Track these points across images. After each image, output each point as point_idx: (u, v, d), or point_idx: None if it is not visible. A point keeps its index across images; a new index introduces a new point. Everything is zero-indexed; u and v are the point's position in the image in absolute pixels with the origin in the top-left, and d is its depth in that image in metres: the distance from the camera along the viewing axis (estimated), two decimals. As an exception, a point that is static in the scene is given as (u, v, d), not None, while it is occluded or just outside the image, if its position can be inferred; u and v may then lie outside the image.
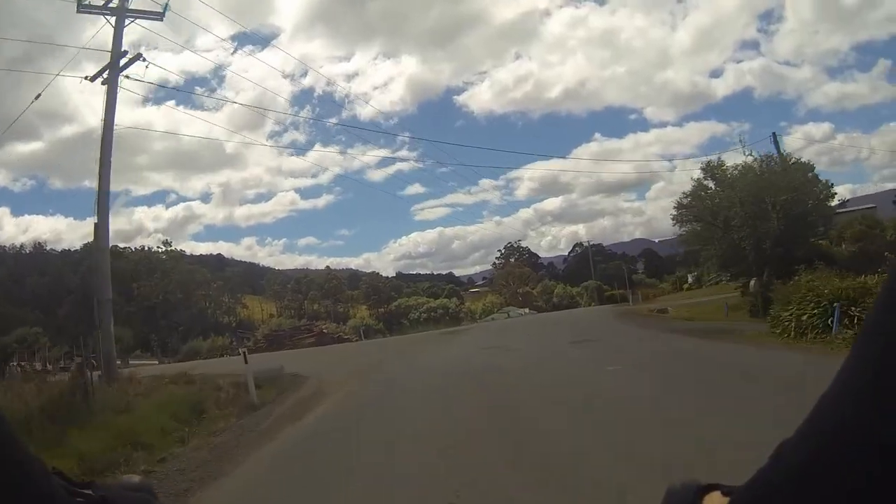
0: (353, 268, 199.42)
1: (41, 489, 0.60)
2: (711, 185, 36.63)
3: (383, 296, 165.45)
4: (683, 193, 38.10)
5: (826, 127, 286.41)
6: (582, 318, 47.56)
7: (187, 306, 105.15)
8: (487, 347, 29.09)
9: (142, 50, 26.05)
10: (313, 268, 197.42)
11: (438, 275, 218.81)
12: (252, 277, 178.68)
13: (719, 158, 37.69)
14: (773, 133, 39.48)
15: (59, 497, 0.63)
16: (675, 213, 38.12)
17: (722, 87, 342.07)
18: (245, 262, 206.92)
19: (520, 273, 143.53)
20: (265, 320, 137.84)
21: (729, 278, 43.89)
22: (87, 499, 0.66)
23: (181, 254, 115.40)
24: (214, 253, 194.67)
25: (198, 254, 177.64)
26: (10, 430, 0.59)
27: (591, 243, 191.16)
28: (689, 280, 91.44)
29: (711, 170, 36.78)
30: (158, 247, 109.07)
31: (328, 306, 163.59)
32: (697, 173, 37.44)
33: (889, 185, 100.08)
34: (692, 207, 36.62)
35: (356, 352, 39.52)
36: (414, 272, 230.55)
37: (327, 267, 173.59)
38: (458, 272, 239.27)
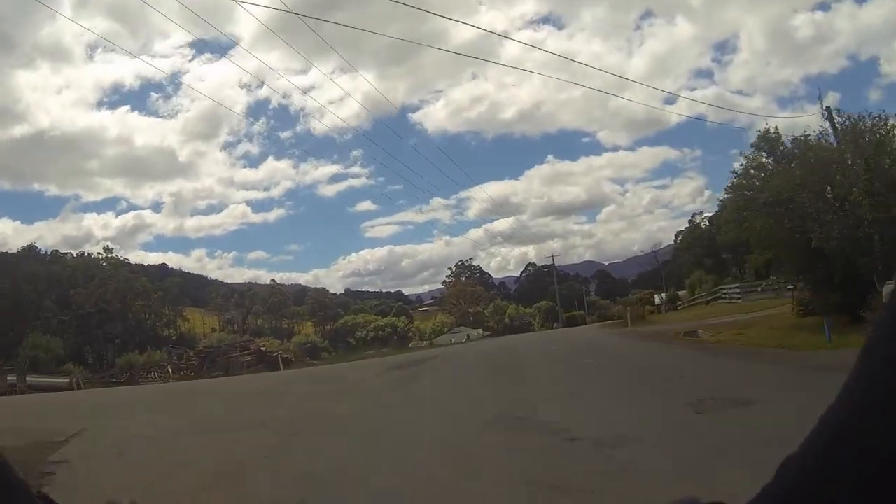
0: (302, 283, 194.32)
1: None
2: (770, 162, 26.80)
3: (330, 312, 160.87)
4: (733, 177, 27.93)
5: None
6: (595, 344, 33.53)
7: (125, 317, 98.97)
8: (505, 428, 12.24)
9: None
10: (262, 282, 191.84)
11: (387, 293, 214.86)
12: (195, 289, 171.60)
13: (776, 128, 27.36)
14: (826, 107, 27.36)
15: None
16: (727, 204, 28.57)
17: (676, 114, 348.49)
18: (192, 273, 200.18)
19: (471, 292, 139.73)
20: (207, 334, 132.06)
21: (801, 286, 28.89)
22: None
23: (121, 261, 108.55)
24: (158, 263, 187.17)
25: (141, 263, 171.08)
26: None
27: (544, 264, 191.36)
28: (658, 300, 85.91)
29: (770, 142, 26.88)
30: (99, 253, 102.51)
31: (272, 322, 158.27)
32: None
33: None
34: (751, 196, 25.73)
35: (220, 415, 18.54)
36: (363, 289, 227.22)
37: (272, 281, 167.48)
38: (407, 291, 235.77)
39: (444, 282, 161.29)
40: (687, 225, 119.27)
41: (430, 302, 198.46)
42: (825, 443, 0.58)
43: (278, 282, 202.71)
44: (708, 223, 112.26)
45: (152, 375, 41.47)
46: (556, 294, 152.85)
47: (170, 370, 43.05)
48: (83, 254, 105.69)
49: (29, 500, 0.63)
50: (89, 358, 72.15)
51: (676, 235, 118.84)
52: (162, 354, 59.68)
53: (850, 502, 0.53)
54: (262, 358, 46.07)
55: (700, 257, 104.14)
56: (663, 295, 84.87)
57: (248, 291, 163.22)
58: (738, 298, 45.91)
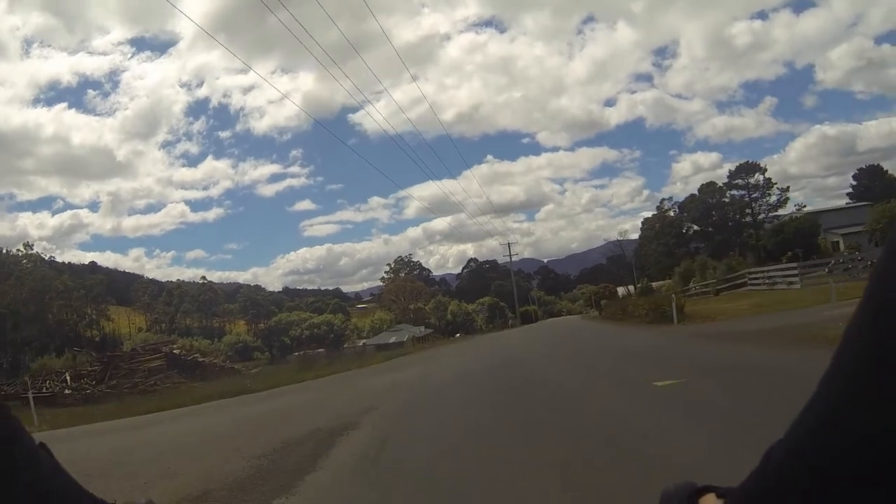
0: (241, 282, 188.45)
1: None
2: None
3: (263, 310, 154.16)
4: None
5: (714, 156, 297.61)
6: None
7: (43, 318, 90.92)
8: None
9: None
10: (202, 281, 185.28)
11: (326, 290, 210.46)
12: (125, 287, 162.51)
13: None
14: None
15: None
16: None
17: (615, 116, 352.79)
18: (121, 271, 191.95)
19: (411, 288, 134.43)
20: (133, 335, 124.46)
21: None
22: None
23: (43, 259, 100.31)
24: (86, 262, 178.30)
25: (75, 262, 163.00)
26: (36, 452, 0.60)
27: (485, 260, 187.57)
28: (623, 292, 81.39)
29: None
30: (18, 250, 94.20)
31: (202, 321, 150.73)
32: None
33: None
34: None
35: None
36: (302, 287, 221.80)
37: (203, 277, 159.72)
38: (345, 289, 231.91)
39: (383, 278, 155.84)
40: (654, 212, 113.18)
41: (368, 298, 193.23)
42: (810, 429, 0.60)
43: (218, 281, 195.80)
44: (678, 210, 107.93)
45: (47, 386, 35.38)
46: (495, 290, 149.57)
47: (68, 378, 36.97)
48: (1, 251, 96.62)
49: (82, 496, 0.67)
50: (3, 363, 67.69)
51: (643, 223, 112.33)
52: (66, 360, 52.79)
53: (835, 488, 0.54)
54: (175, 362, 40.18)
55: (671, 247, 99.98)
56: (631, 287, 78.10)
57: (176, 289, 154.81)
58: (795, 281, 33.09)
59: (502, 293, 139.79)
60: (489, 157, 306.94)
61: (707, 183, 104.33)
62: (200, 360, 44.76)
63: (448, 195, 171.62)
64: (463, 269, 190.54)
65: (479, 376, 20.05)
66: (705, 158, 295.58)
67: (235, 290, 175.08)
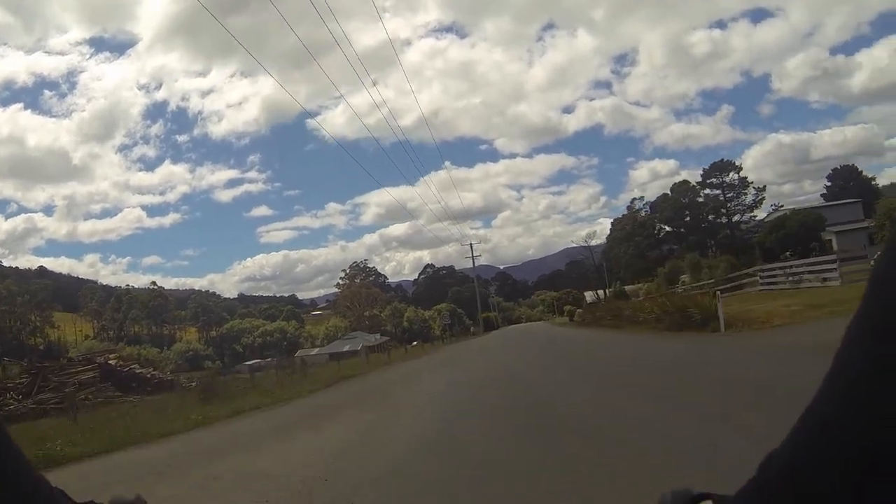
0: (197, 288, 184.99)
1: None
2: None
3: (214, 317, 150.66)
4: None
5: (672, 164, 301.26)
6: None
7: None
8: None
9: None
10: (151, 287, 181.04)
11: (281, 297, 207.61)
12: (73, 293, 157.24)
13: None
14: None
15: None
16: None
17: (574, 123, 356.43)
18: (71, 276, 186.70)
19: (367, 294, 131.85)
20: (79, 342, 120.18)
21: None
22: None
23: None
24: (35, 267, 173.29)
25: (15, 266, 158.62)
26: (17, 450, 0.60)
27: (442, 267, 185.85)
28: (591, 298, 77.73)
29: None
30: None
31: (152, 328, 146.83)
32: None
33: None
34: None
35: None
36: (257, 294, 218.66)
37: (153, 283, 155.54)
38: (301, 295, 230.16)
39: (338, 284, 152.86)
40: (625, 212, 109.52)
41: (324, 305, 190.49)
42: (806, 438, 0.60)
43: (174, 287, 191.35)
44: (649, 210, 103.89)
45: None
46: (458, 296, 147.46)
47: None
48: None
49: (50, 494, 0.65)
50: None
51: (613, 224, 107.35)
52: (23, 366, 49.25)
53: (832, 497, 0.54)
54: (109, 374, 37.52)
55: (642, 248, 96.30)
56: (600, 292, 74.25)
57: (125, 295, 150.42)
58: (833, 277, 26.82)
59: (460, 300, 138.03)
60: (447, 163, 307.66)
61: (680, 182, 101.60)
62: (138, 371, 41.98)
63: (405, 201, 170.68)
64: (419, 275, 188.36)
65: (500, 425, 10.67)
66: (663, 166, 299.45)
67: (188, 296, 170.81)
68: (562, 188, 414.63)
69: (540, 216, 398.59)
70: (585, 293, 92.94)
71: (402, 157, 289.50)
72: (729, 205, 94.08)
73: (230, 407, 18.18)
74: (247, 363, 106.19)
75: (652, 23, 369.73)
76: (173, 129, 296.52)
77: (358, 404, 17.09)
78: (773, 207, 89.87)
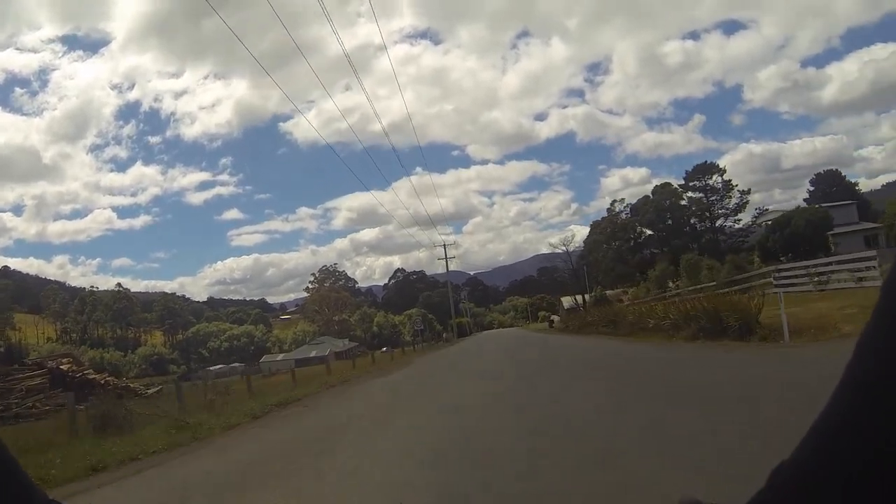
0: (168, 291, 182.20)
1: None
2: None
3: (180, 320, 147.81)
4: None
5: (643, 172, 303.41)
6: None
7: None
8: None
9: None
10: (131, 289, 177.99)
11: (251, 301, 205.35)
12: (38, 294, 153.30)
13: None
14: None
15: None
16: None
17: (546, 130, 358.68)
18: (44, 278, 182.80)
19: (336, 298, 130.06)
20: (41, 345, 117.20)
21: None
22: None
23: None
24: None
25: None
26: (11, 459, 0.60)
27: (413, 271, 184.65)
28: (569, 304, 75.19)
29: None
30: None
31: (116, 331, 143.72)
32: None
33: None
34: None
35: None
36: (228, 297, 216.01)
37: (118, 285, 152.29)
38: (271, 299, 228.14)
39: (308, 288, 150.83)
40: (605, 214, 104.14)
41: (293, 309, 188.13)
42: (818, 448, 0.59)
43: (144, 290, 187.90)
44: (629, 213, 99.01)
45: None
46: (423, 301, 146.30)
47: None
48: None
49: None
50: None
51: (592, 227, 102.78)
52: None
53: (843, 501, 0.54)
54: (60, 381, 35.72)
55: (623, 252, 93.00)
56: (578, 297, 72.33)
57: (89, 297, 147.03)
58: (873, 275, 22.11)
59: (430, 305, 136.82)
60: (419, 168, 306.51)
61: (661, 184, 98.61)
62: (91, 377, 40.22)
63: (377, 206, 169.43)
64: (390, 279, 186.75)
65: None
66: (634, 173, 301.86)
67: (160, 298, 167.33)
68: (533, 195, 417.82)
69: (511, 222, 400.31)
70: (562, 298, 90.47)
71: (373, 162, 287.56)
72: (712, 208, 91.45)
73: (115, 450, 11.44)
74: (212, 368, 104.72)
75: (626, 32, 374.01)
76: (145, 131, 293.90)
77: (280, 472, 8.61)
78: (758, 211, 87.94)
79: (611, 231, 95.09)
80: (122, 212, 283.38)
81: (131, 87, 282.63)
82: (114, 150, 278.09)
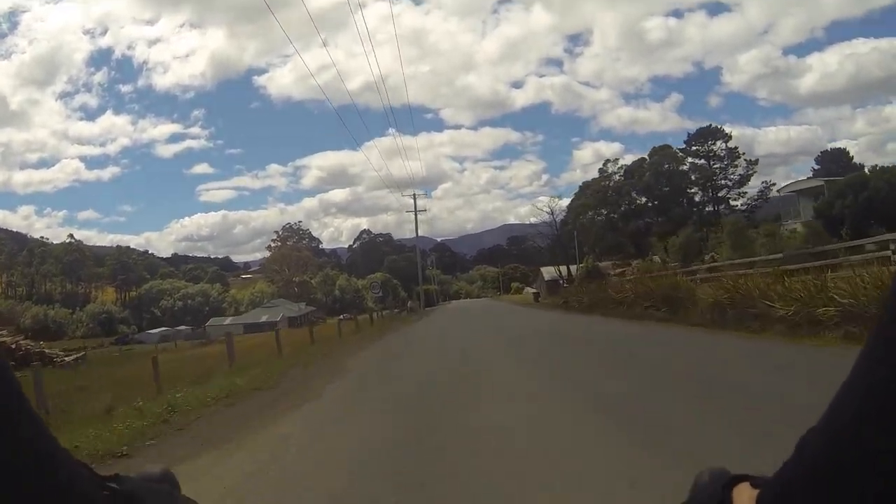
0: (134, 246, 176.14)
1: (72, 483, 0.62)
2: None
3: (133, 276, 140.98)
4: None
5: (616, 147, 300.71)
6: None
7: None
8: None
9: None
10: (92, 243, 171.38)
11: (216, 258, 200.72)
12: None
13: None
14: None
15: (90, 491, 0.64)
16: None
17: (522, 98, 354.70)
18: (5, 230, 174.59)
19: (297, 257, 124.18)
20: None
21: None
22: (112, 492, 0.66)
23: None
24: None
25: None
26: (42, 425, 0.60)
27: (379, 234, 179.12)
28: (549, 276, 67.66)
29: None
30: None
31: (66, 285, 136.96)
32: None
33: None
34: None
35: None
36: (194, 254, 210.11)
37: (70, 236, 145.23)
38: (236, 258, 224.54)
39: (270, 246, 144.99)
40: (596, 175, 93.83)
41: (255, 269, 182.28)
42: (846, 422, 0.58)
43: (109, 244, 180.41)
44: (622, 177, 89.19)
45: None
46: (388, 265, 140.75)
47: None
48: None
49: (74, 468, 0.64)
50: None
51: (581, 189, 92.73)
52: None
53: (872, 484, 0.53)
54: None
55: (614, 220, 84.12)
56: (562, 269, 63.62)
57: (38, 248, 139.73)
58: None
59: (396, 269, 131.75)
60: (391, 130, 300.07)
61: (661, 146, 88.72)
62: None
63: (347, 167, 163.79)
64: (355, 241, 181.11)
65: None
66: (607, 148, 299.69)
67: (110, 253, 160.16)
68: (504, 163, 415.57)
69: (481, 190, 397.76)
70: (542, 269, 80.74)
71: (347, 121, 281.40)
72: (716, 177, 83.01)
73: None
74: (154, 331, 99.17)
75: (609, 4, 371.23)
76: (117, 79, 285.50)
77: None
78: (764, 185, 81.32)
79: (602, 194, 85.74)
80: (91, 162, 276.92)
81: (104, 32, 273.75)
82: (84, 97, 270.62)
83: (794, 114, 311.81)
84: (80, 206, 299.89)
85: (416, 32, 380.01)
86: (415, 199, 70.01)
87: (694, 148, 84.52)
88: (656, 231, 73.19)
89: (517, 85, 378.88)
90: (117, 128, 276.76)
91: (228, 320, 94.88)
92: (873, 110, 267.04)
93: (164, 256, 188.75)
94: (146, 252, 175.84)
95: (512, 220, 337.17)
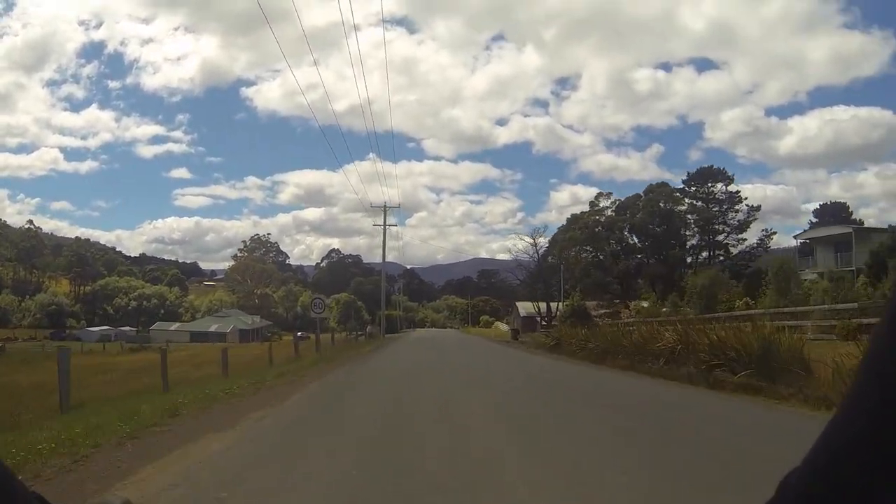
0: (103, 243, 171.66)
1: None
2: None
3: (90, 270, 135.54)
4: None
5: (594, 192, 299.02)
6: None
7: None
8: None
9: None
10: (62, 234, 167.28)
11: (184, 263, 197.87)
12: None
13: None
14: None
15: None
16: None
17: (505, 136, 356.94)
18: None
19: (260, 270, 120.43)
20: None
21: None
22: None
23: None
24: None
25: None
26: None
27: (349, 254, 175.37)
28: (525, 312, 61.94)
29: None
30: None
31: (19, 272, 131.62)
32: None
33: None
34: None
35: None
36: (162, 257, 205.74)
37: (29, 221, 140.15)
38: (204, 265, 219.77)
39: (235, 256, 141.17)
40: (587, 209, 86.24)
41: (220, 277, 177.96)
42: (828, 459, 0.57)
43: (81, 236, 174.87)
44: (614, 213, 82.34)
45: None
46: (360, 288, 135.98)
47: None
48: None
49: (26, 499, 0.60)
50: None
51: (569, 221, 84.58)
52: None
53: None
54: None
55: (604, 258, 78.06)
56: (540, 305, 60.13)
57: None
58: None
59: (362, 292, 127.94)
60: (372, 155, 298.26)
61: (658, 183, 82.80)
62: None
63: (324, 186, 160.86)
64: (322, 259, 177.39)
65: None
66: (585, 192, 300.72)
67: (67, 244, 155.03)
68: (481, 198, 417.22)
69: (455, 222, 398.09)
70: (518, 303, 77.62)
71: (329, 141, 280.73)
72: (715, 220, 77.37)
73: None
74: (93, 329, 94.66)
75: (600, 52, 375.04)
76: (106, 73, 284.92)
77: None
78: (765, 233, 77.30)
79: (592, 230, 78.38)
80: (70, 154, 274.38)
81: (98, 25, 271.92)
82: (70, 88, 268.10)
83: (771, 174, 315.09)
84: (55, 197, 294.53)
85: (407, 61, 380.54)
86: (384, 211, 65.56)
87: (692, 189, 79.30)
88: (647, 273, 69.65)
89: (501, 122, 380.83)
90: (101, 122, 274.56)
91: (175, 326, 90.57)
92: (848, 176, 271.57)
93: (133, 255, 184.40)
94: (113, 249, 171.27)
95: (483, 254, 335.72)
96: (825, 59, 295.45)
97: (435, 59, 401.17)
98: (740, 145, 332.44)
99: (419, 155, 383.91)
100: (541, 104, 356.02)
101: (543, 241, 67.89)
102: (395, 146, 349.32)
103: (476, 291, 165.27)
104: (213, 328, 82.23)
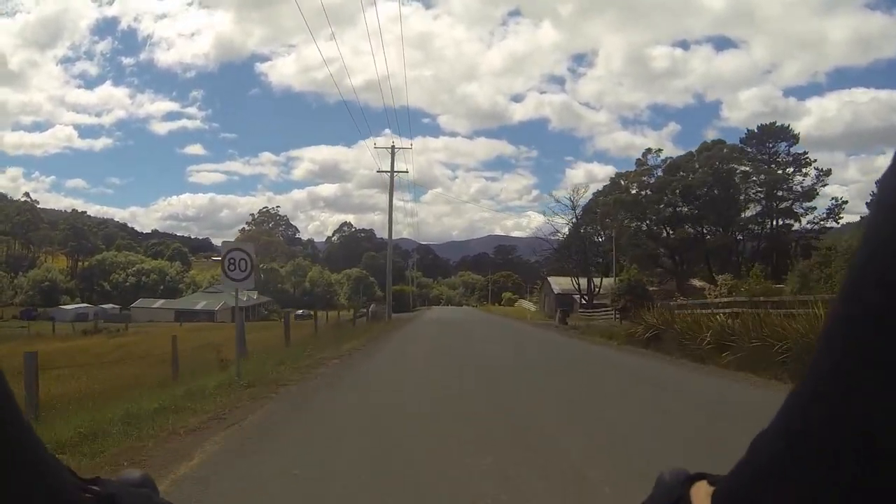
0: (118, 220, 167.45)
1: (57, 486, 0.60)
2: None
3: (87, 245, 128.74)
4: None
5: (609, 169, 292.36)
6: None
7: None
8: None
9: None
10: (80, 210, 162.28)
11: (196, 239, 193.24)
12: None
13: None
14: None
15: (71, 494, 0.63)
16: None
17: (520, 112, 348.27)
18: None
19: (267, 243, 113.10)
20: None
21: None
22: (95, 495, 0.64)
23: None
24: None
25: None
26: (27, 427, 0.59)
27: (361, 228, 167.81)
28: (556, 289, 54.35)
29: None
30: None
31: (13, 246, 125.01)
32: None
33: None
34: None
35: None
36: (178, 234, 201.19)
37: (25, 194, 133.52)
38: (217, 241, 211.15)
39: (243, 229, 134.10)
40: (634, 168, 72.89)
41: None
42: (797, 417, 0.59)
43: (95, 214, 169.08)
44: (663, 173, 68.66)
45: None
46: (372, 263, 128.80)
47: None
48: None
49: (57, 470, 0.63)
50: None
51: (612, 182, 72.77)
52: None
53: (825, 478, 0.53)
54: None
55: (651, 226, 66.96)
56: (581, 281, 52.36)
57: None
58: None
59: (374, 267, 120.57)
60: (387, 130, 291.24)
61: (714, 140, 69.84)
62: None
63: (339, 162, 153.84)
64: (334, 233, 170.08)
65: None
66: (600, 170, 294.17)
67: (64, 217, 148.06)
68: (496, 174, 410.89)
69: (470, 199, 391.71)
70: (551, 279, 65.56)
71: (344, 117, 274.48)
72: (780, 184, 65.22)
73: None
74: (67, 307, 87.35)
75: (617, 28, 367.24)
76: (119, 50, 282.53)
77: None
78: (834, 203, 67.61)
79: (638, 193, 66.35)
80: (84, 131, 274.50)
81: (112, 1, 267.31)
82: (84, 65, 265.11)
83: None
84: (70, 174, 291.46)
85: (423, 36, 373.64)
86: (392, 153, 53.71)
87: (750, 150, 67.43)
88: (710, 244, 60.90)
89: (517, 98, 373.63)
90: (115, 99, 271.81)
91: (159, 303, 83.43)
92: (866, 159, 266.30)
93: (145, 232, 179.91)
94: (124, 224, 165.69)
95: (498, 231, 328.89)
96: (845, 39, 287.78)
97: (451, 34, 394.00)
98: (757, 125, 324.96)
99: (435, 131, 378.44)
100: (557, 81, 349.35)
101: (582, 202, 59.28)
102: (411, 122, 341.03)
103: (493, 267, 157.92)
104: (201, 305, 76.06)
